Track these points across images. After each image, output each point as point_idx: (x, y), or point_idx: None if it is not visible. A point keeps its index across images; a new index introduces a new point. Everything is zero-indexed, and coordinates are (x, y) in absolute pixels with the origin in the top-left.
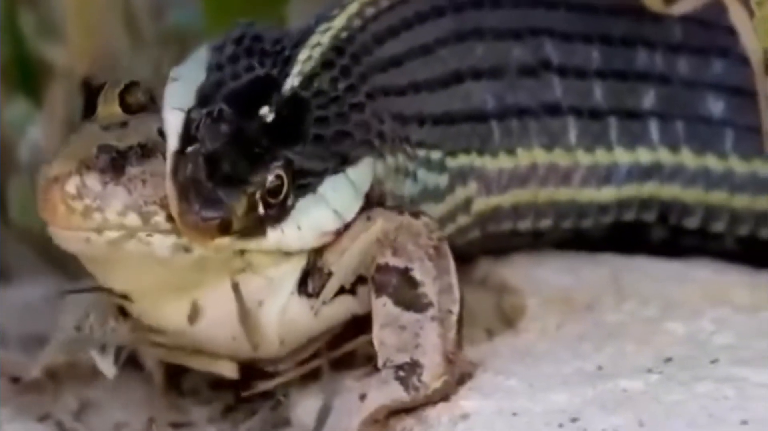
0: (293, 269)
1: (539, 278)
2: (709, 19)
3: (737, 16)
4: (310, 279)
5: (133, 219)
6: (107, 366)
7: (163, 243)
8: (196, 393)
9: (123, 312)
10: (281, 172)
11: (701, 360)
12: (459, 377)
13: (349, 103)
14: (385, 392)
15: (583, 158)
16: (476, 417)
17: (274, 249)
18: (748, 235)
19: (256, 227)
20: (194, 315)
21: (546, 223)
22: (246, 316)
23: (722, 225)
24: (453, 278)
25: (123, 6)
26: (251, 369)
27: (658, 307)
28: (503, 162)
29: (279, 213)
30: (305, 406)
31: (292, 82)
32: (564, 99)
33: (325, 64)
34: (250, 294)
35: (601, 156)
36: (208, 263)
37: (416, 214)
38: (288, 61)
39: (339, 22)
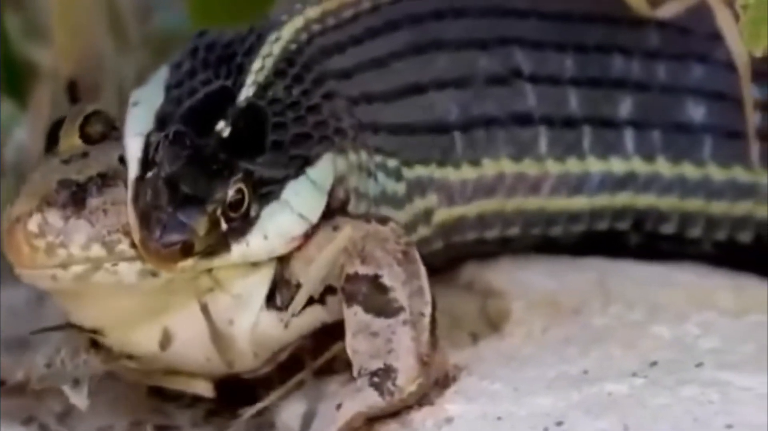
0: (261, 283)
1: (525, 282)
2: (686, 25)
3: (723, 20)
4: (278, 292)
5: (97, 251)
6: (80, 400)
7: (129, 270)
8: (179, 397)
9: (94, 344)
10: (242, 185)
11: (687, 364)
12: (436, 380)
13: (305, 106)
14: (360, 399)
15: (554, 167)
16: (460, 421)
17: (241, 261)
18: (726, 240)
19: (219, 244)
20: (165, 341)
21: (514, 231)
22: (218, 336)
23: (699, 231)
24: (423, 281)
25: (109, 8)
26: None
27: (644, 311)
28: (467, 173)
29: (242, 225)
30: (289, 411)
31: (246, 92)
32: (536, 108)
33: (278, 73)
34: (219, 314)
35: (572, 165)
36: (176, 285)
37: (383, 221)
38: (240, 70)
39: (287, 33)
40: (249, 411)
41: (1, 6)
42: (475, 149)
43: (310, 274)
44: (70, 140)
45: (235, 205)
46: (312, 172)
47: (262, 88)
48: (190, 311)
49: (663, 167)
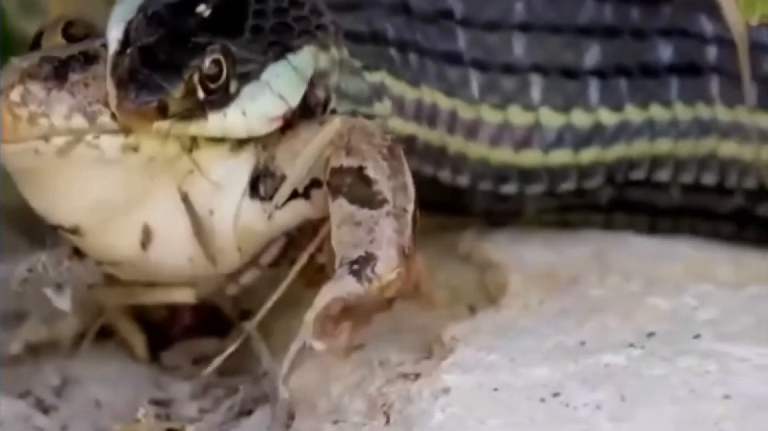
0: (242, 170)
1: (522, 254)
2: None
3: None
4: (262, 182)
5: (78, 121)
6: (63, 302)
7: (111, 144)
8: (177, 369)
9: (77, 253)
10: (219, 56)
11: (684, 335)
12: (414, 283)
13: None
14: (339, 286)
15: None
16: (457, 391)
17: (219, 134)
18: (692, 183)
19: (196, 110)
20: (146, 238)
21: (463, 181)
22: (199, 227)
23: (666, 175)
24: (407, 178)
25: None
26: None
27: (641, 283)
28: (409, 92)
29: (222, 98)
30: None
31: None
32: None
33: None
34: (200, 204)
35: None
36: (156, 168)
37: (369, 117)
38: None
39: None
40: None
41: None
42: (414, 72)
43: (295, 166)
44: (53, 41)
45: (213, 76)
46: (293, 58)
47: None
48: (170, 204)
49: (632, 113)
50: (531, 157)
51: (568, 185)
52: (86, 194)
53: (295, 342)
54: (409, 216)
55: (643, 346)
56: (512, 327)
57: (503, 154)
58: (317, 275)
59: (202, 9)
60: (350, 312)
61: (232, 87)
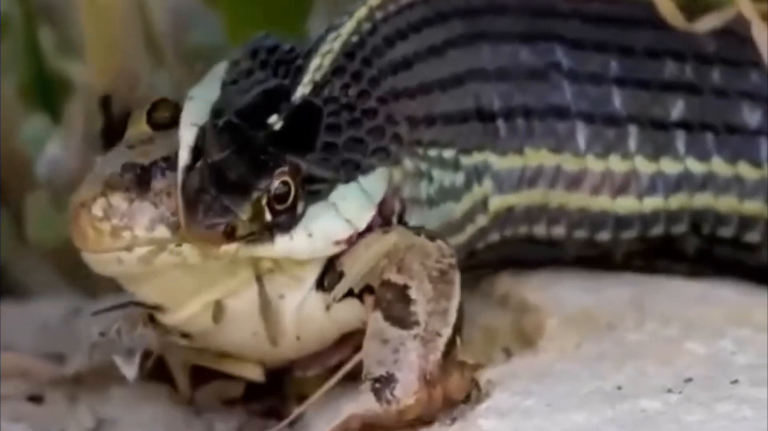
0: (315, 265)
1: (560, 297)
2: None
3: (758, 32)
4: (327, 276)
5: (161, 232)
6: (130, 370)
7: (193, 250)
8: (210, 410)
9: (151, 319)
10: (287, 178)
11: (721, 380)
12: (445, 403)
13: (361, 109)
14: (359, 402)
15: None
16: None
17: (284, 256)
18: None
19: (263, 233)
20: (218, 313)
21: (559, 232)
22: (267, 307)
23: (757, 236)
24: (452, 304)
25: (144, 23)
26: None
27: (680, 327)
28: (513, 161)
29: (288, 220)
30: (320, 428)
31: (302, 90)
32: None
33: (336, 70)
34: (273, 286)
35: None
36: (239, 266)
37: (433, 237)
38: (300, 71)
39: (348, 27)
40: (282, 423)
41: (33, 20)
42: (518, 138)
43: (353, 267)
44: (138, 127)
45: (281, 197)
46: (364, 180)
47: (319, 86)
48: (246, 286)
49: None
50: (627, 204)
51: (657, 231)
52: (169, 286)
53: None
54: (440, 342)
55: (681, 391)
56: (549, 372)
57: (602, 203)
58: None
59: (274, 120)
60: (371, 427)
61: (299, 207)
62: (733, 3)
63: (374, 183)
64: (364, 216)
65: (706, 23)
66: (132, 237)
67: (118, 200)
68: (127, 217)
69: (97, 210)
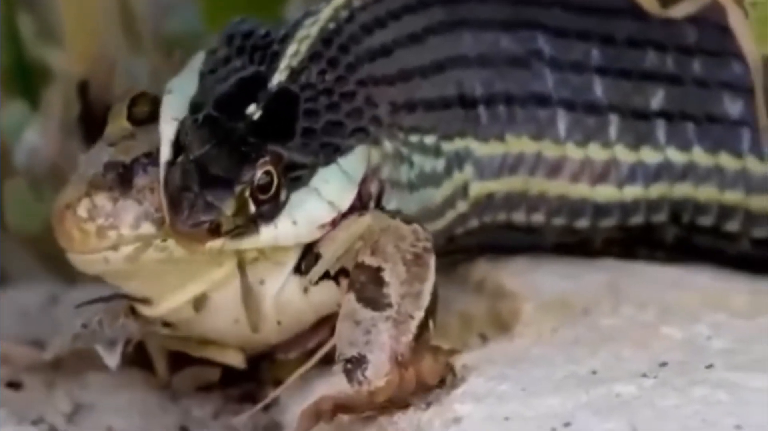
0: (296, 251)
1: (536, 282)
2: (722, 22)
3: (735, 19)
4: (304, 259)
5: (146, 229)
6: (112, 360)
7: (178, 245)
8: (186, 395)
9: (133, 310)
10: (270, 168)
11: (697, 365)
12: (419, 387)
13: (339, 92)
14: (332, 383)
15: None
16: (468, 421)
17: (270, 245)
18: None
19: (248, 226)
20: (200, 302)
21: (538, 218)
22: (248, 294)
23: (737, 226)
24: (426, 287)
25: (121, 10)
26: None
27: (655, 312)
28: (494, 148)
29: (272, 209)
30: (295, 411)
31: (279, 77)
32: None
33: (313, 56)
34: (253, 274)
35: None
36: (225, 257)
37: (409, 221)
38: (276, 56)
39: (326, 13)
40: (257, 407)
41: (13, 7)
42: (499, 125)
43: (328, 250)
44: (118, 123)
45: (264, 187)
46: (343, 161)
47: (296, 73)
48: (227, 275)
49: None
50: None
51: (637, 219)
52: (156, 280)
53: None
54: (412, 324)
55: (656, 376)
56: (524, 357)
57: (581, 190)
58: None
59: (253, 110)
60: (343, 408)
61: (282, 195)
62: None
63: (354, 163)
64: (346, 196)
65: (682, 9)
66: (118, 237)
67: (102, 200)
68: (112, 217)
69: (82, 211)
